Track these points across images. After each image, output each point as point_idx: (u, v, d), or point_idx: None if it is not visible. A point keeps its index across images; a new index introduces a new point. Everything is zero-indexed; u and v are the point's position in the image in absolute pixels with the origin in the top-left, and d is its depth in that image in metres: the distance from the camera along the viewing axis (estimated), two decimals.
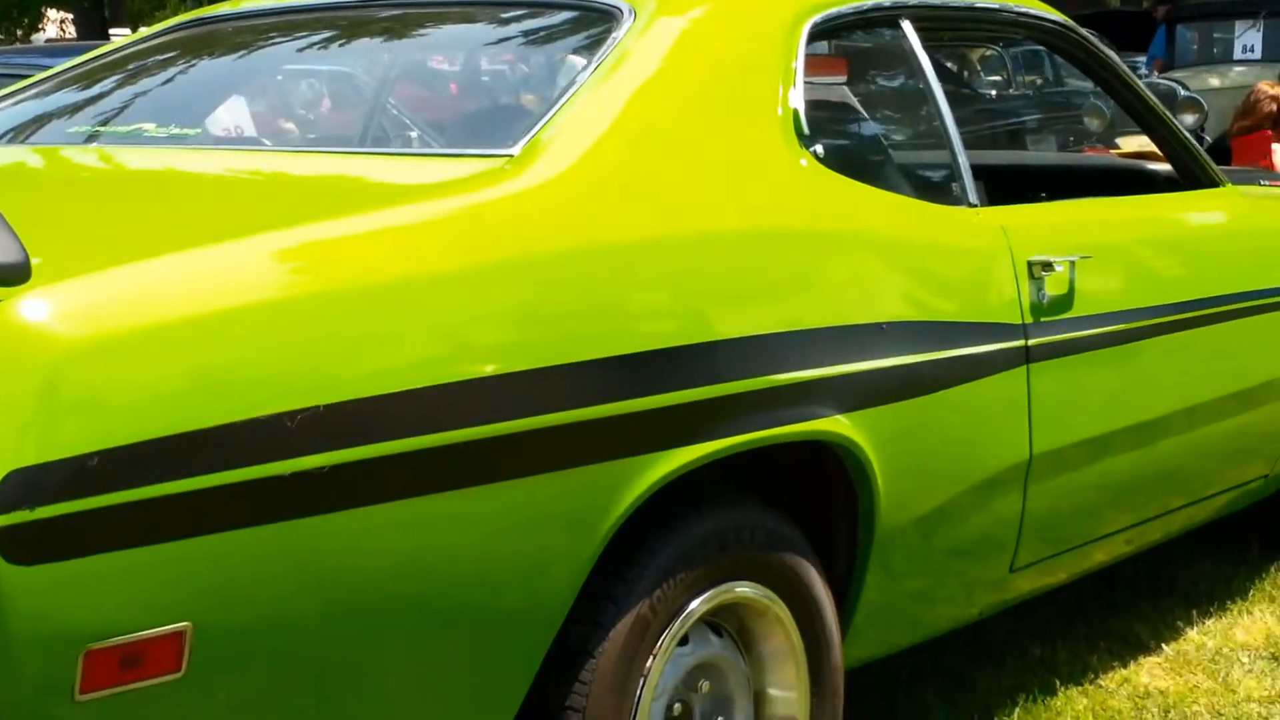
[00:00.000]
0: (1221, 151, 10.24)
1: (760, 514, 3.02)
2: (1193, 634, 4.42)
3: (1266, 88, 9.55)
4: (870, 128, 3.71)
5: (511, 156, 2.81)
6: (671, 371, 2.72)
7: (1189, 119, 11.88)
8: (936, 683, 4.03)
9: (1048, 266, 3.56)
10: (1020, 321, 3.51)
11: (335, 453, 2.29)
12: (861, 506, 3.17)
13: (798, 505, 3.19)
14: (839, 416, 3.03)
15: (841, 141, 3.47)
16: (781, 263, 3.02)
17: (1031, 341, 3.52)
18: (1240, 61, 15.75)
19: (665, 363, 2.71)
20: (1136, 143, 5.49)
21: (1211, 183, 4.46)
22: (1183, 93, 13.15)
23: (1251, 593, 4.75)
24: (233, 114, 4.20)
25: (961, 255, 3.46)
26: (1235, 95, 10.63)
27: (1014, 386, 3.50)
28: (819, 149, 3.24)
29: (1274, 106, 9.28)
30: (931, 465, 3.32)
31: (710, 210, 2.95)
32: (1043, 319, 3.56)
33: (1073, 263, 3.65)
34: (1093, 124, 12.68)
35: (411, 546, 2.43)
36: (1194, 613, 4.55)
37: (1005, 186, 4.51)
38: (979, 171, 3.78)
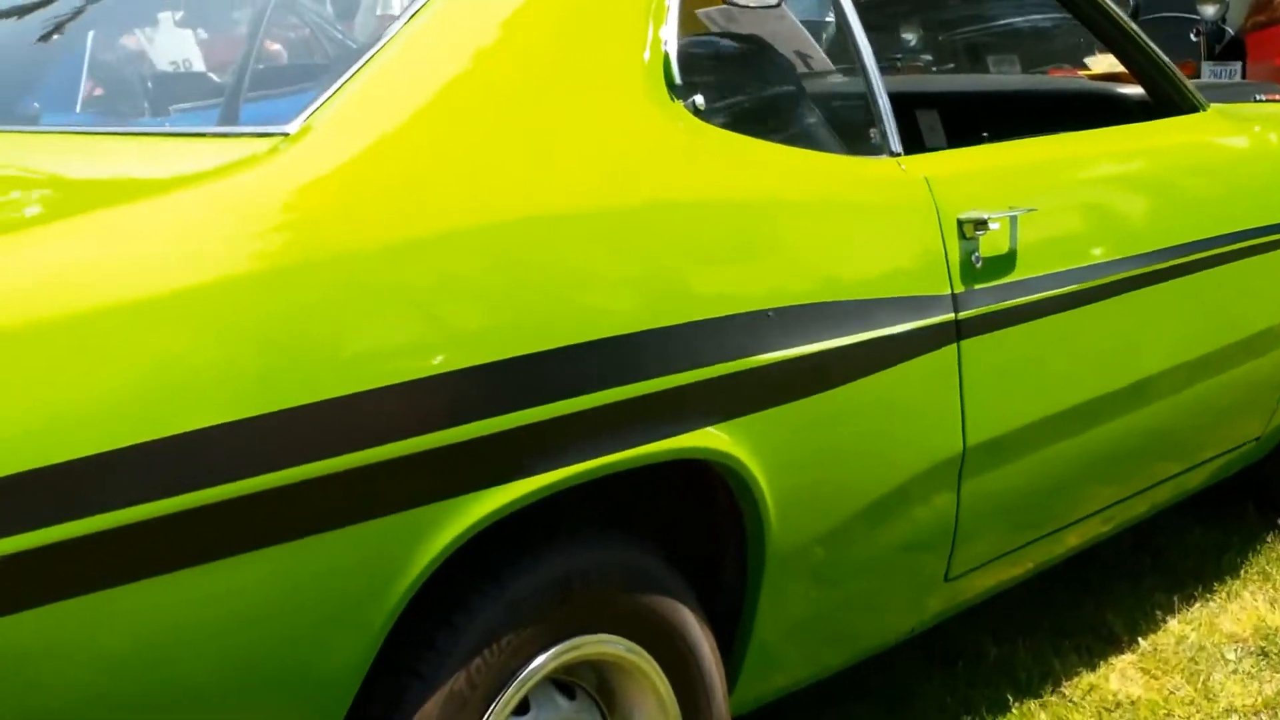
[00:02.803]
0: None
1: (615, 550, 2.50)
2: (1173, 624, 3.89)
3: None
4: (766, 69, 3.14)
5: (286, 135, 2.27)
6: (484, 395, 2.19)
7: (1210, 10, 11.29)
8: (879, 696, 3.51)
9: (981, 224, 3.02)
10: (948, 292, 2.97)
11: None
12: (749, 528, 2.65)
13: (669, 528, 2.68)
14: (711, 429, 2.51)
15: (728, 89, 2.92)
16: (639, 246, 2.48)
17: (962, 314, 2.99)
18: None
19: (476, 385, 2.18)
20: (1108, 62, 4.90)
21: (1190, 107, 3.90)
22: None
23: (1243, 569, 4.22)
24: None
25: (874, 218, 2.92)
26: None
27: (941, 368, 2.97)
28: (698, 100, 2.70)
29: None
30: (836, 472, 2.79)
31: (546, 188, 2.40)
32: (976, 286, 3.03)
33: (1014, 218, 3.11)
34: (1207, 10, 11.92)
35: (121, 641, 1.92)
36: (1176, 598, 4.02)
37: (950, 119, 3.98)
38: (915, 102, 3.23)
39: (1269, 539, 4.38)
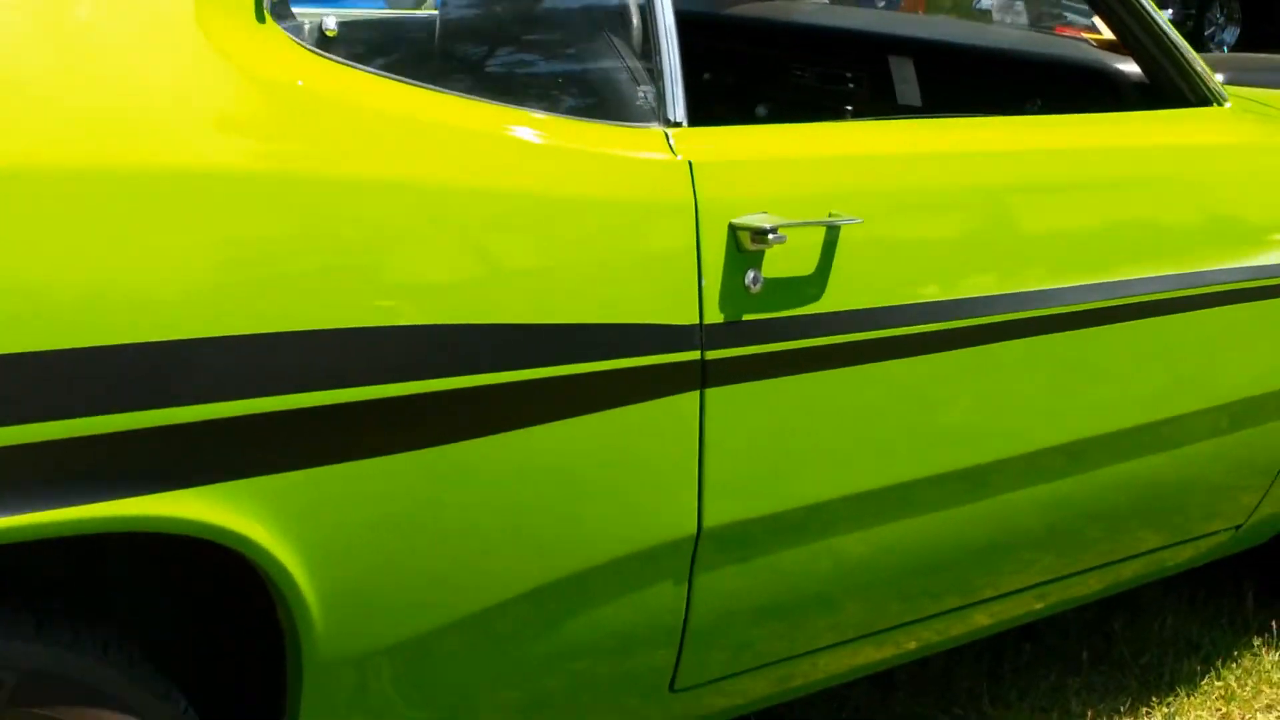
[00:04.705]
0: None
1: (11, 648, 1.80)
2: None
3: None
4: None
5: None
6: None
7: None
8: None
9: (763, 234, 2.22)
10: (695, 321, 2.19)
11: None
12: (285, 627, 1.95)
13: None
14: (195, 491, 1.80)
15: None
16: (95, 223, 1.75)
17: (712, 353, 2.21)
18: None
19: None
20: None
21: (1200, 99, 3.01)
22: None
23: (1204, 681, 3.34)
24: None
25: (586, 207, 2.14)
26: None
27: (668, 423, 2.21)
28: (327, 23, 1.97)
29: None
30: (451, 557, 2.07)
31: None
32: (745, 317, 2.25)
33: (831, 227, 2.31)
34: None
35: None
36: (1100, 708, 3.17)
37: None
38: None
39: (1255, 643, 3.50)
